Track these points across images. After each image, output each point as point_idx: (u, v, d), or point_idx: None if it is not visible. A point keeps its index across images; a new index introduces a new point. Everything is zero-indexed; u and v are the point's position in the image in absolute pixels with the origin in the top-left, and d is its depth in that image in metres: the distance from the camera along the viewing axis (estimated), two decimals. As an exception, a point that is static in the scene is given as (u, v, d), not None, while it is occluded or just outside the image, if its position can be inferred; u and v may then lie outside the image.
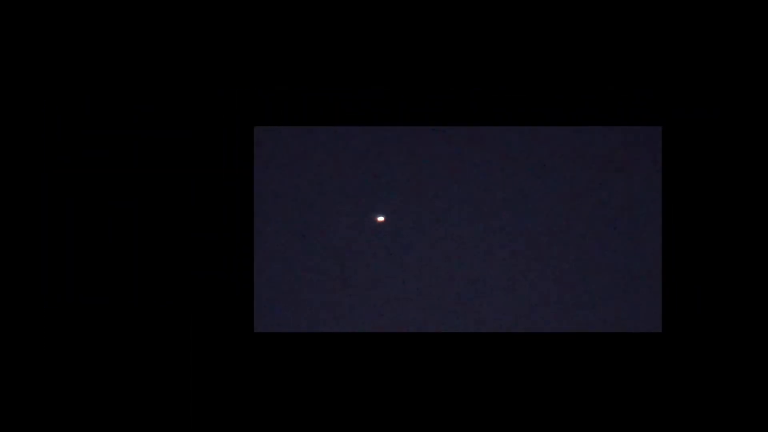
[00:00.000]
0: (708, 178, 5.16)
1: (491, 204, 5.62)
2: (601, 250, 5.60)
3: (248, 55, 5.27)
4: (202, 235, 5.23)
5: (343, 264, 5.68)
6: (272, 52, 5.26)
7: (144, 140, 5.25)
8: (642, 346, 5.18)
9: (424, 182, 5.67)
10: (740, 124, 5.15)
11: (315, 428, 5.19)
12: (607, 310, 5.54)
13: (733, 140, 5.15)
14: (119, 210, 5.14)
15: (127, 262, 5.19)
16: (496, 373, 5.20)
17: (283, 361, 5.25)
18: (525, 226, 5.63)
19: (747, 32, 5.17)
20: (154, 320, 5.22)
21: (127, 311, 5.21)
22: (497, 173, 5.64)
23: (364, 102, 5.27)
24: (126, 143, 5.21)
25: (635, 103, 5.20)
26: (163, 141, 5.27)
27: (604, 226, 5.61)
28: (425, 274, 5.67)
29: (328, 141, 5.72)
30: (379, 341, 5.24)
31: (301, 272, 5.69)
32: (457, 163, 5.64)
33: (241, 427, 5.19)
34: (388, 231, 5.65)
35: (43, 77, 5.13)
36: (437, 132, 5.61)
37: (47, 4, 5.20)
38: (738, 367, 5.12)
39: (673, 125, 5.18)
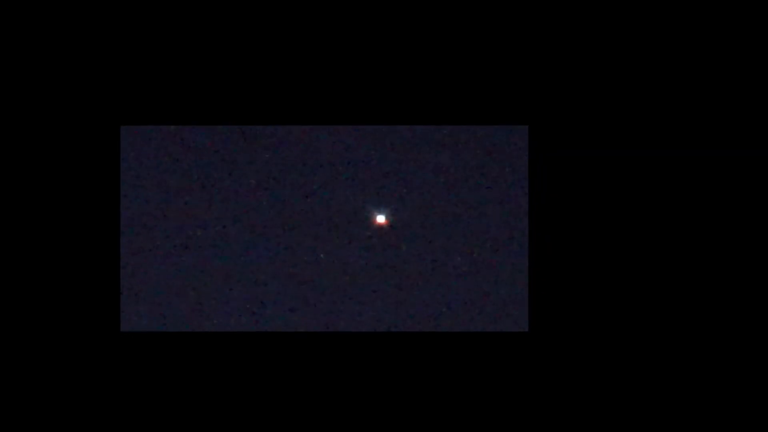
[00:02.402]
0: (576, 175, 5.19)
1: (357, 202, 5.62)
2: (467, 247, 5.62)
3: (117, 50, 5.21)
4: (65, 229, 5.16)
5: (215, 261, 5.65)
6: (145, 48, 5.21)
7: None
8: (509, 345, 5.21)
9: (293, 179, 5.67)
10: (608, 125, 5.20)
11: None
12: (474, 309, 5.56)
13: (603, 138, 5.19)
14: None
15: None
16: (366, 374, 5.20)
17: (153, 363, 5.20)
18: (392, 224, 5.64)
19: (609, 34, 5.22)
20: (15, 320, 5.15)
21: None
22: (366, 170, 5.65)
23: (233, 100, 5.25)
24: None
25: (502, 102, 5.21)
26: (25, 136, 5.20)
27: (472, 224, 5.63)
28: (299, 272, 5.66)
29: (198, 139, 5.68)
30: (255, 341, 5.21)
31: (172, 269, 5.65)
32: (328, 158, 5.64)
33: None
34: (264, 229, 5.63)
35: None
36: (312, 130, 5.61)
37: None
38: (604, 367, 5.17)
39: (540, 123, 5.20)
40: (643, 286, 5.17)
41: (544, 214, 5.19)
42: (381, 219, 5.51)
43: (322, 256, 5.51)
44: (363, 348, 5.21)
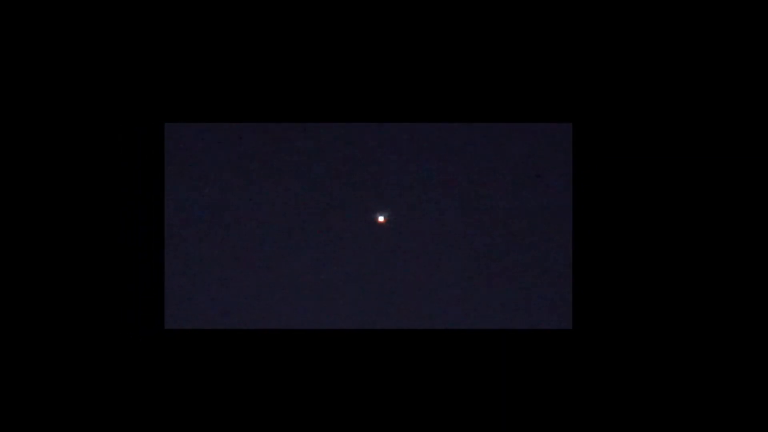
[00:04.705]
0: (620, 174, 5.17)
1: (400, 200, 5.61)
2: (511, 245, 5.60)
3: (159, 48, 5.24)
4: (111, 229, 5.19)
5: (259, 260, 5.66)
6: (186, 48, 5.24)
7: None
8: (553, 342, 5.20)
9: (335, 179, 5.65)
10: (655, 124, 5.17)
11: (230, 430, 5.17)
12: (517, 307, 5.53)
13: (647, 138, 5.17)
14: None
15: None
16: (408, 370, 5.20)
17: (197, 360, 5.22)
18: (433, 222, 5.63)
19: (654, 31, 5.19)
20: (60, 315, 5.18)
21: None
22: (405, 169, 5.63)
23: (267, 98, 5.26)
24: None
25: (546, 99, 5.20)
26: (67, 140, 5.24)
27: (515, 223, 5.61)
28: (343, 270, 5.66)
29: (244, 137, 5.69)
30: (296, 338, 5.23)
31: (216, 267, 5.66)
32: (366, 159, 5.63)
33: (154, 429, 5.16)
34: (306, 229, 5.63)
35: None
36: (343, 129, 5.61)
37: None
38: (647, 364, 5.14)
39: (584, 122, 5.19)
40: (689, 286, 5.14)
41: (589, 211, 5.17)
42: (380, 219, 5.50)
43: (370, 255, 5.51)
44: (409, 345, 5.21)
